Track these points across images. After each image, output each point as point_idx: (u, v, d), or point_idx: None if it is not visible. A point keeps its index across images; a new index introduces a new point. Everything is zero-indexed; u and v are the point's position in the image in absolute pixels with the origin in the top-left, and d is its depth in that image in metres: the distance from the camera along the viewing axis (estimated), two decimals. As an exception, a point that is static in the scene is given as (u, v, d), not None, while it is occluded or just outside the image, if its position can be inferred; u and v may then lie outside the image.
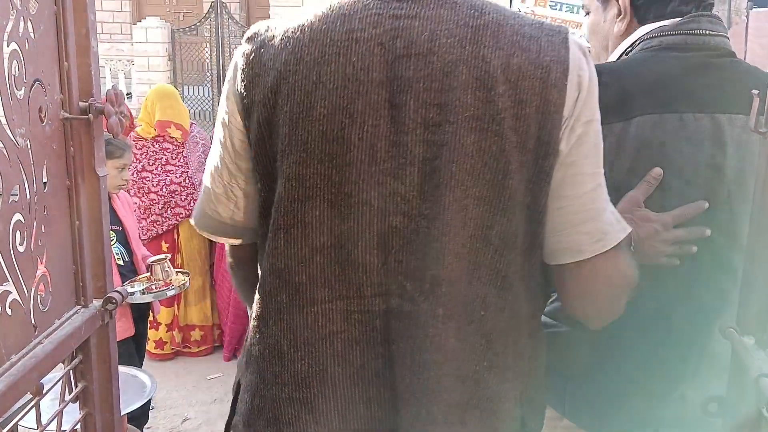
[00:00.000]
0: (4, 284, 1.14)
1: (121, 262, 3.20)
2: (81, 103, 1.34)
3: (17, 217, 1.16)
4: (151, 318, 4.26)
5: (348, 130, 1.09)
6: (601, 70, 1.41)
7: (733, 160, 1.38)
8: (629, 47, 1.48)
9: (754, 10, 8.70)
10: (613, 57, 1.53)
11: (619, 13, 1.51)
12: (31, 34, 1.19)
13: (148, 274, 3.08)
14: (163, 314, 4.37)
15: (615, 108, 1.36)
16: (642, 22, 1.49)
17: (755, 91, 1.17)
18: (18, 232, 1.17)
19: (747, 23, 7.16)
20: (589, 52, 1.45)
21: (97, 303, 1.43)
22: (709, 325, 1.34)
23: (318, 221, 1.13)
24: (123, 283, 3.04)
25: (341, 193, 1.11)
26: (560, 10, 9.38)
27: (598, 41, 1.60)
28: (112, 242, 3.18)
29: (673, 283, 1.41)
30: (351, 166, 1.09)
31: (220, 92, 9.50)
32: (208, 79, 10.12)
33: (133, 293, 2.92)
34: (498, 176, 1.08)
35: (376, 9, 1.10)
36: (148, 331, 4.35)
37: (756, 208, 1.19)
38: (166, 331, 4.42)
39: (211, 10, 9.91)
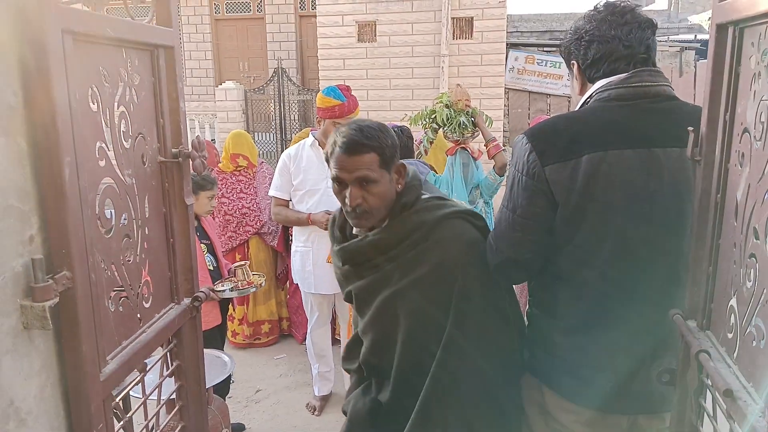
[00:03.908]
0: (118, 288, 1.18)
1: (210, 268, 3.24)
2: (173, 150, 1.38)
3: (126, 237, 1.20)
4: (231, 313, 4.31)
5: None
6: (560, 119, 1.48)
7: (668, 184, 1.35)
8: (588, 98, 1.49)
9: (700, 61, 8.56)
10: (576, 108, 1.54)
11: (577, 78, 1.55)
12: (135, 99, 1.23)
13: (231, 276, 3.11)
14: (237, 311, 4.40)
15: (568, 149, 1.38)
16: (592, 81, 1.50)
17: (691, 128, 1.17)
18: (127, 249, 1.21)
19: (695, 72, 7.05)
20: None
21: (186, 300, 1.47)
22: (662, 316, 1.31)
23: None
24: (213, 283, 3.09)
25: None
26: (545, 66, 9.33)
27: (574, 101, 1.63)
28: (204, 252, 3.22)
29: (624, 289, 1.39)
30: None
31: (282, 138, 9.67)
32: (273, 127, 10.24)
33: (224, 290, 2.96)
34: None
35: None
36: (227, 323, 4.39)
37: (695, 220, 1.18)
38: (238, 325, 4.46)
39: (274, 74, 10.06)
